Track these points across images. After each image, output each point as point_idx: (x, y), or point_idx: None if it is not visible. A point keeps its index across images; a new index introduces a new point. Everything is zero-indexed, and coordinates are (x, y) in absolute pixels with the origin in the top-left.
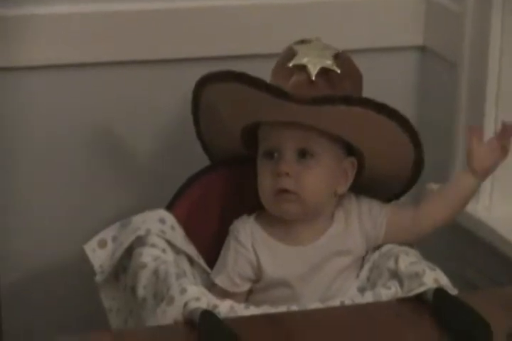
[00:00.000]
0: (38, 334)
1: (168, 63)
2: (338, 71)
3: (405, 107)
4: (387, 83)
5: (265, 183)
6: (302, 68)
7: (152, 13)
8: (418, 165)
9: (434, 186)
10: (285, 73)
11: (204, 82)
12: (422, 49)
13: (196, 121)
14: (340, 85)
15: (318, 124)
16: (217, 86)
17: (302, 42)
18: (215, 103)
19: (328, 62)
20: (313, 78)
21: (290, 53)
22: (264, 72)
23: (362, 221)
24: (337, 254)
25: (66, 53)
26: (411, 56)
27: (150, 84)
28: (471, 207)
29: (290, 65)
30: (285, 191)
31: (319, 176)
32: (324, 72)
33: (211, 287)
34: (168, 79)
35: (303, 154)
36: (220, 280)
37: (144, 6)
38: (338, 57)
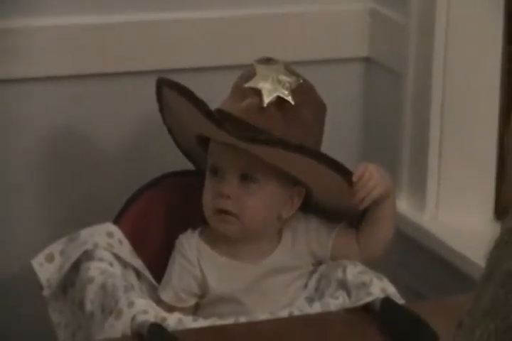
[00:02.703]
0: None
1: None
2: (293, 103)
3: (351, 117)
4: (332, 94)
5: (207, 200)
6: (257, 92)
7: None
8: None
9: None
10: (240, 93)
11: (162, 84)
12: (367, 60)
13: (163, 116)
14: (294, 116)
15: (256, 154)
16: (171, 92)
17: (266, 61)
18: (171, 103)
19: (284, 92)
20: (265, 105)
21: (250, 73)
22: (222, 84)
23: (309, 241)
24: (283, 271)
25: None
26: (356, 67)
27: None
28: (417, 217)
29: (246, 86)
30: (225, 212)
31: (260, 202)
32: (279, 100)
33: (158, 302)
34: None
35: (245, 178)
36: (166, 296)
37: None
38: (299, 87)
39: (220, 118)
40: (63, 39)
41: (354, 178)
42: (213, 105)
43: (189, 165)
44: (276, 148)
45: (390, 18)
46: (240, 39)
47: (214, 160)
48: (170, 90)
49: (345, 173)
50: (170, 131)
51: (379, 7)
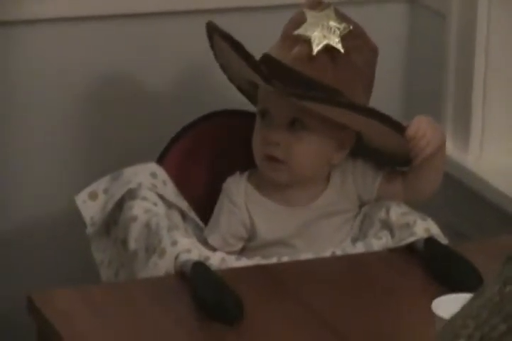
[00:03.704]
0: (27, 287)
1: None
2: (342, 50)
3: (395, 59)
4: (376, 36)
5: (256, 146)
6: (306, 40)
7: None
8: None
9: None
10: (289, 42)
11: (212, 31)
12: (411, 1)
13: (215, 53)
14: (344, 63)
15: (306, 106)
16: (219, 38)
17: (316, 6)
18: (221, 47)
19: (335, 40)
20: (315, 54)
21: (299, 19)
22: (265, 24)
23: (356, 182)
24: (332, 214)
25: (66, 7)
26: (400, 8)
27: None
28: (461, 158)
29: (295, 33)
30: (274, 159)
31: (310, 148)
32: (329, 48)
33: (204, 244)
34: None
35: (295, 123)
36: (213, 240)
37: None
38: (349, 33)
39: (269, 69)
40: None
41: (408, 133)
42: (261, 46)
43: (235, 106)
44: (324, 105)
45: None
46: None
47: (263, 104)
48: (221, 39)
49: (399, 128)
50: (222, 67)
51: None
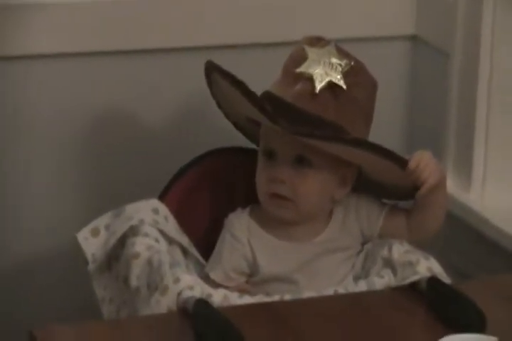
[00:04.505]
0: (28, 325)
1: (170, 52)
2: (344, 87)
3: (397, 96)
4: (378, 72)
5: (261, 184)
6: (309, 77)
7: (157, 1)
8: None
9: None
10: (290, 79)
11: (212, 69)
12: (414, 38)
13: (216, 99)
14: (346, 99)
15: (311, 144)
16: (219, 77)
17: (316, 42)
18: (220, 86)
19: (337, 77)
20: (317, 91)
21: (300, 56)
22: (263, 60)
23: (359, 218)
24: (334, 250)
25: (67, 42)
26: (402, 45)
27: (155, 73)
28: (463, 196)
29: (297, 71)
30: (280, 196)
31: (315, 184)
32: (331, 85)
33: (205, 281)
34: (169, 69)
35: (301, 162)
36: (216, 275)
37: None
38: (350, 69)
39: (272, 107)
40: (105, 14)
41: (410, 166)
42: (259, 83)
43: (233, 143)
44: (331, 143)
45: None
46: (286, 16)
47: (267, 142)
48: (221, 78)
49: (401, 162)
50: (219, 104)
51: None
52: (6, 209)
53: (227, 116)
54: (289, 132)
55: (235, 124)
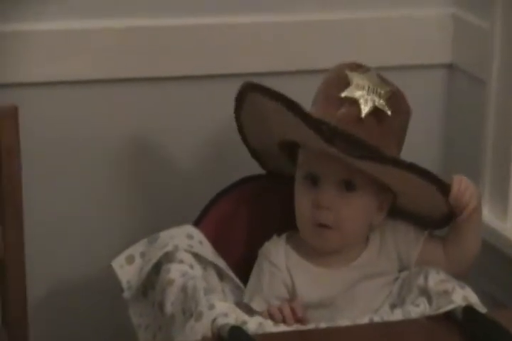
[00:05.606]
0: None
1: (189, 80)
2: (389, 112)
3: (433, 124)
4: (415, 101)
5: (304, 211)
6: (353, 102)
7: (173, 29)
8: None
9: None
10: (334, 102)
11: (252, 88)
12: (450, 66)
13: (239, 123)
14: (389, 125)
15: (360, 167)
16: (261, 97)
17: (357, 68)
18: (259, 107)
19: (382, 102)
20: (363, 116)
21: (343, 81)
22: (298, 88)
23: (397, 242)
24: (371, 275)
25: (75, 69)
26: (439, 73)
27: (179, 100)
28: (499, 225)
29: (342, 95)
30: (325, 226)
31: (359, 209)
32: (375, 110)
33: (241, 306)
34: (194, 96)
35: (346, 186)
36: (257, 304)
37: (163, 21)
38: (392, 95)
39: (326, 131)
40: (130, 41)
41: (453, 189)
42: None
43: (262, 171)
44: (386, 166)
45: (472, 23)
46: (322, 44)
47: (309, 167)
48: (261, 96)
49: (443, 185)
50: (240, 129)
51: (461, 12)
52: (40, 238)
53: (246, 141)
54: (347, 154)
55: (254, 151)
